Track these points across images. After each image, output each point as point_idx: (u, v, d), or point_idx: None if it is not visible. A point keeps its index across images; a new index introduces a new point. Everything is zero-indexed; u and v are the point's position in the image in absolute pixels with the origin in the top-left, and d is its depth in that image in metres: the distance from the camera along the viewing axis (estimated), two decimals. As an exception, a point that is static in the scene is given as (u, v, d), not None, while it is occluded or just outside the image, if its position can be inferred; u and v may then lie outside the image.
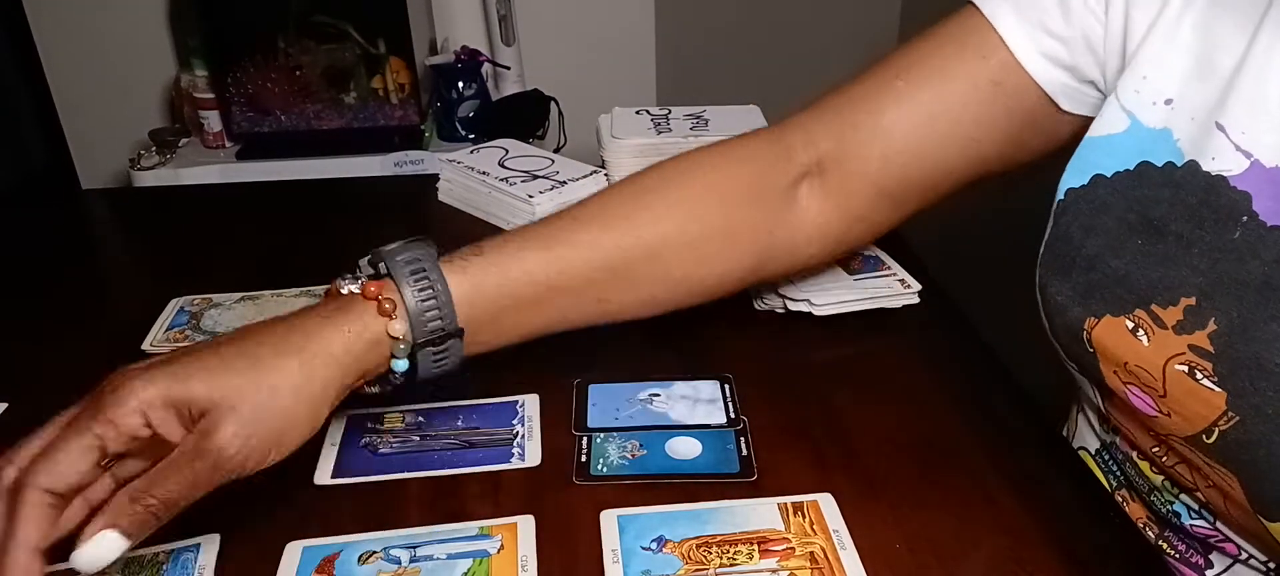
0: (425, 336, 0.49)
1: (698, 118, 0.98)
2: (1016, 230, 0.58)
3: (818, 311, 0.68)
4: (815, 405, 0.60)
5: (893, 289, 0.71)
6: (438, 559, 0.47)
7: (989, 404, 0.61)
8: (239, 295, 0.68)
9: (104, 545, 0.38)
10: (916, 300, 0.71)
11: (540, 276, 0.52)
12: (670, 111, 1.00)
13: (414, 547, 0.48)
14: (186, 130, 1.73)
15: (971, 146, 0.57)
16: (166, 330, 0.64)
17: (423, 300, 0.48)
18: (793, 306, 0.69)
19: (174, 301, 0.67)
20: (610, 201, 0.57)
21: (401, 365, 0.49)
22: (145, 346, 0.62)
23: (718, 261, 0.58)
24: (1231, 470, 0.46)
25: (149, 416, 0.41)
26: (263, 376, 0.43)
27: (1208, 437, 0.46)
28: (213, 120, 1.66)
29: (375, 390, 0.51)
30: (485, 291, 0.51)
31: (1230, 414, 0.45)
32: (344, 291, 0.48)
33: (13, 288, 0.79)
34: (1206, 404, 0.46)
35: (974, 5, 0.57)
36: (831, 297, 0.69)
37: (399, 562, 0.47)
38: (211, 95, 1.65)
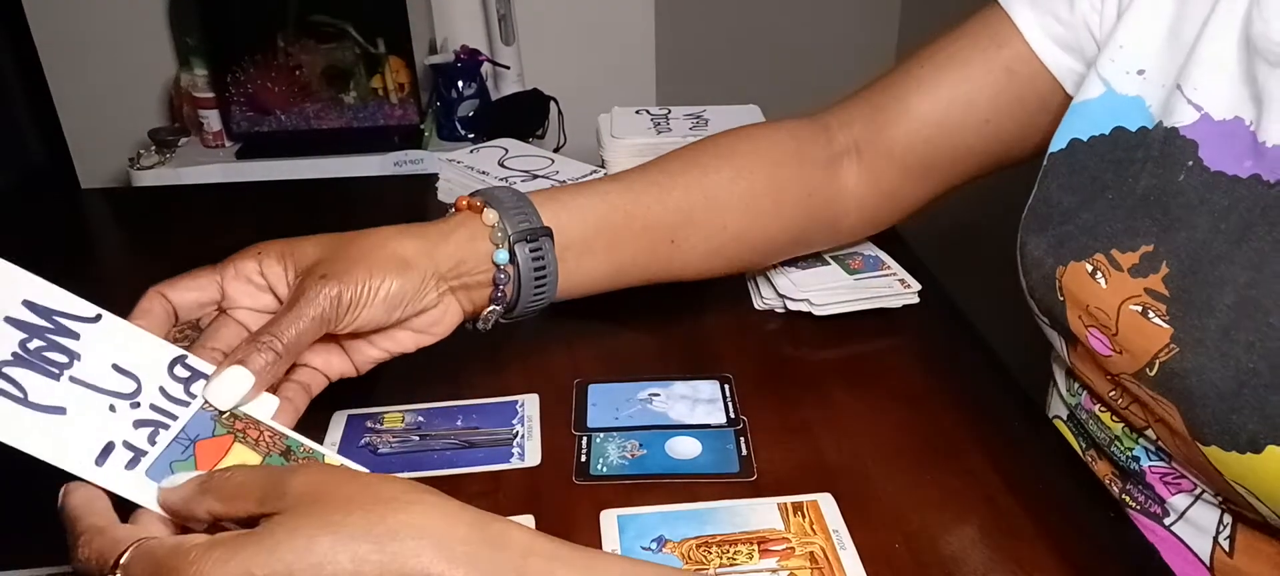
0: (518, 231, 0.52)
1: (698, 117, 0.98)
2: (1016, 230, 0.59)
3: (818, 311, 0.68)
4: (815, 405, 0.60)
5: (893, 289, 0.71)
6: (437, 559, 0.47)
7: (989, 404, 0.61)
8: (239, 295, 0.68)
9: (232, 376, 0.43)
10: (916, 300, 0.71)
11: (621, 207, 0.57)
12: (670, 111, 1.00)
13: (414, 547, 0.48)
14: (186, 129, 1.73)
15: (986, 128, 0.62)
16: (166, 330, 0.63)
17: (508, 202, 0.53)
18: (793, 306, 0.69)
19: (174, 301, 0.67)
20: (668, 161, 0.62)
21: (502, 256, 0.52)
22: (145, 346, 0.62)
23: (767, 219, 0.63)
24: (1170, 399, 0.48)
25: (262, 263, 0.48)
26: (363, 237, 0.49)
27: (1150, 371, 0.49)
28: (212, 119, 1.66)
29: (486, 320, 0.54)
30: (573, 210, 0.56)
31: (1171, 346, 0.48)
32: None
33: (12, 287, 0.78)
34: (1152, 339, 0.49)
35: (995, 1, 0.62)
36: (831, 298, 0.69)
37: (399, 562, 0.47)
38: (211, 94, 1.65)
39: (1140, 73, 0.54)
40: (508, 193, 0.54)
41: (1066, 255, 0.54)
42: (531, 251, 0.53)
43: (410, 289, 0.48)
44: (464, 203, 0.53)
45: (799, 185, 0.64)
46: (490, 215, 0.52)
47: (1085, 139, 0.55)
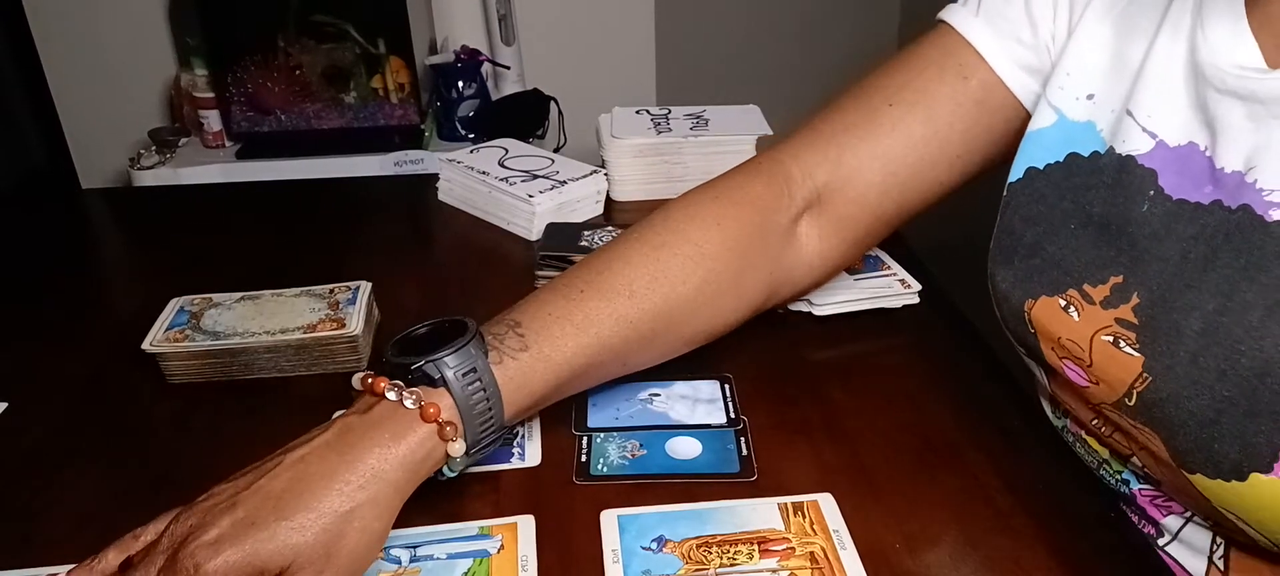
0: (477, 443, 0.49)
1: (698, 117, 0.98)
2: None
3: (817, 311, 0.68)
4: (815, 405, 0.60)
5: (893, 289, 0.71)
6: (438, 559, 0.48)
7: (989, 404, 0.61)
8: (239, 295, 0.68)
9: None
10: (916, 300, 0.71)
11: (579, 361, 0.52)
12: (670, 111, 1.00)
13: (414, 547, 0.48)
14: (186, 129, 1.73)
15: (958, 163, 0.60)
16: (166, 330, 0.64)
17: (477, 412, 0.48)
18: (793, 306, 0.69)
19: (174, 301, 0.67)
20: (631, 267, 0.56)
21: (453, 473, 0.49)
22: (145, 346, 0.62)
23: (730, 310, 0.59)
24: (1152, 429, 0.48)
25: None
26: (329, 527, 0.43)
27: (1129, 401, 0.49)
28: (212, 119, 1.66)
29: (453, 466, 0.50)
30: (532, 386, 0.51)
31: (1145, 375, 0.48)
32: (389, 396, 0.47)
33: (13, 288, 0.79)
34: (1125, 369, 0.49)
35: (948, 24, 0.60)
36: (831, 298, 0.69)
37: (399, 562, 0.47)
38: (211, 94, 1.65)
39: (1089, 97, 0.54)
40: (475, 391, 0.48)
41: (1036, 289, 0.53)
42: (483, 451, 0.50)
43: (377, 555, 0.46)
44: (433, 414, 0.46)
45: (761, 265, 0.60)
46: (457, 447, 0.47)
47: (1042, 167, 0.55)
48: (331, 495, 0.43)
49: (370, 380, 0.48)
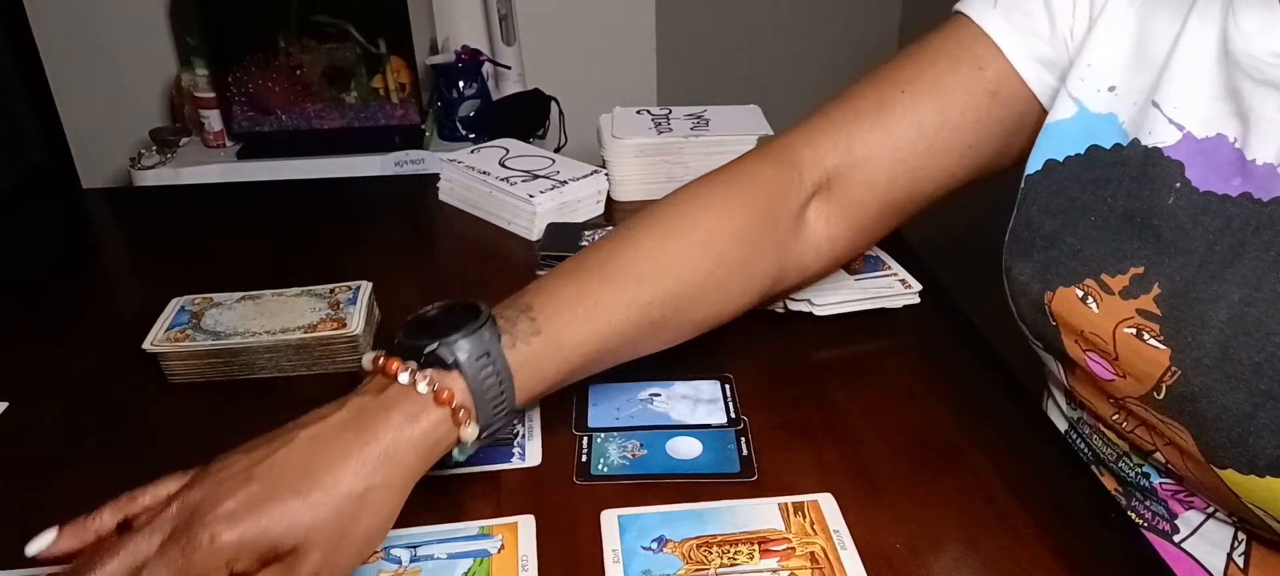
0: (489, 426, 0.48)
1: (698, 117, 0.98)
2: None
3: (818, 311, 0.68)
4: (815, 405, 0.60)
5: (893, 289, 0.71)
6: (438, 558, 0.48)
7: (989, 404, 0.61)
8: (239, 295, 0.68)
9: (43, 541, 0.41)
10: (917, 300, 0.71)
11: (591, 348, 0.52)
12: (670, 111, 1.00)
13: (414, 547, 0.48)
14: (187, 129, 1.73)
15: (969, 154, 0.60)
16: (167, 330, 0.64)
17: (490, 397, 0.48)
18: (793, 306, 0.69)
19: (174, 301, 0.67)
20: (641, 254, 0.56)
21: (462, 456, 0.49)
22: (145, 346, 0.62)
23: (738, 296, 0.59)
24: (1182, 423, 0.48)
25: (233, 567, 0.40)
26: (343, 508, 0.42)
27: (1157, 394, 0.49)
28: (213, 119, 1.66)
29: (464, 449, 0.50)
30: (545, 371, 0.50)
31: (1173, 368, 0.48)
32: (402, 378, 0.46)
33: (13, 287, 0.79)
34: (1152, 361, 0.48)
35: (965, 15, 0.60)
36: (832, 298, 0.69)
37: (399, 562, 0.47)
38: (212, 94, 1.65)
39: (1111, 89, 0.53)
40: (489, 376, 0.47)
41: (1054, 280, 0.53)
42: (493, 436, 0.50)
43: (385, 537, 0.45)
44: (447, 398, 0.46)
45: (769, 251, 0.60)
46: (469, 432, 0.47)
47: (1061, 160, 0.54)
48: (347, 475, 0.42)
49: (382, 360, 0.47)
